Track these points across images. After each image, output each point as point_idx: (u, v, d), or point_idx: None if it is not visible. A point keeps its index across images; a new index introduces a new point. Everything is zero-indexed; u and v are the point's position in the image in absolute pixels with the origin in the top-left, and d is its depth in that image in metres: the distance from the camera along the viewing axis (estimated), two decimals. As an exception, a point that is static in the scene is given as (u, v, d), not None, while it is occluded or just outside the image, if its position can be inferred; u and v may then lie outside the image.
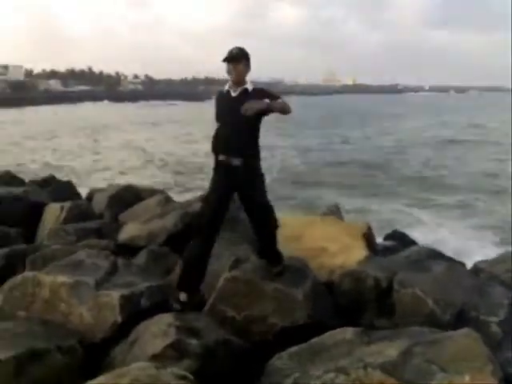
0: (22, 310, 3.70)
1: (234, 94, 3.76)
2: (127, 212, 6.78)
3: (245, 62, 3.76)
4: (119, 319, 3.49)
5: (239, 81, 3.77)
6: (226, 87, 3.83)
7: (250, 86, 3.77)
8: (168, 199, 6.91)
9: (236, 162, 3.67)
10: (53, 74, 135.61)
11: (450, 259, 5.28)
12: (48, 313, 3.65)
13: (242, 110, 3.54)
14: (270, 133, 27.03)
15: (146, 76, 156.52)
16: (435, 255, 4.99)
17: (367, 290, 3.80)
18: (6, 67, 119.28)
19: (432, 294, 3.46)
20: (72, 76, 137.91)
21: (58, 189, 8.14)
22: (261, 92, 3.77)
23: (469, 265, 5.21)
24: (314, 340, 2.99)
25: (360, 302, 3.85)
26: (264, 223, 3.84)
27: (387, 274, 3.80)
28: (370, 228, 5.33)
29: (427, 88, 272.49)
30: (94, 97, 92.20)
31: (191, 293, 3.79)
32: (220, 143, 3.76)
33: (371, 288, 3.79)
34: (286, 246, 4.27)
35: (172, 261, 5.07)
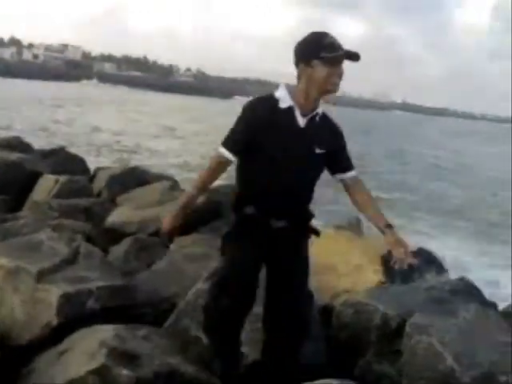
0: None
1: (301, 123, 2.25)
2: (126, 194, 6.15)
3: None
4: (55, 321, 2.81)
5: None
6: (286, 102, 2.25)
7: (321, 109, 2.32)
8: (174, 187, 6.24)
9: (280, 222, 2.37)
10: (109, 58, 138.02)
11: (480, 297, 4.42)
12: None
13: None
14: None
15: (198, 70, 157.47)
16: (463, 290, 4.15)
17: (372, 329, 2.99)
18: (65, 46, 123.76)
19: (453, 348, 2.63)
20: (126, 61, 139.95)
21: (64, 162, 7.57)
22: (331, 127, 2.40)
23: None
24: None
25: (361, 341, 3.04)
26: (290, 325, 2.41)
27: (400, 312, 2.98)
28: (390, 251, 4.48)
29: (478, 116, 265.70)
30: (146, 84, 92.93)
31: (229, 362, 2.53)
32: (263, 196, 2.32)
33: (377, 327, 2.97)
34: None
35: (158, 254, 4.39)
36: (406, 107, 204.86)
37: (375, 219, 2.38)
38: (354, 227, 5.43)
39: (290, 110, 2.24)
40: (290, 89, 2.28)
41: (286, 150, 2.24)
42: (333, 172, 2.44)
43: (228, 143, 2.32)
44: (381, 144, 33.81)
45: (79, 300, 2.90)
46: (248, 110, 2.28)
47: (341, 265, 4.09)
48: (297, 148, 2.25)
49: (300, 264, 2.47)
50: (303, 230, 2.47)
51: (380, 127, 57.26)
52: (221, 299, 2.30)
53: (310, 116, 2.26)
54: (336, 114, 2.62)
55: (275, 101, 2.25)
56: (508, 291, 7.31)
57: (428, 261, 7.99)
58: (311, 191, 2.44)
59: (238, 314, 2.35)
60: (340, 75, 2.23)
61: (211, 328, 2.44)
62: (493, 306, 4.41)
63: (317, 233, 2.51)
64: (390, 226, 2.32)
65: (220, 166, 2.37)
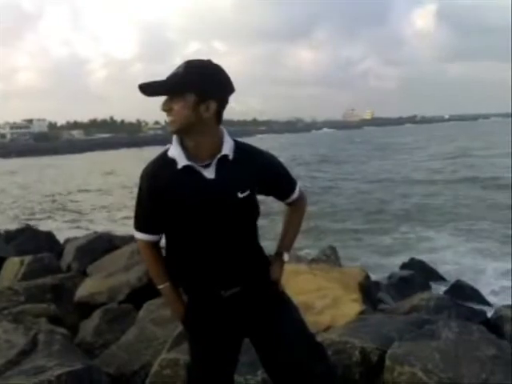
0: None
1: (207, 174, 1.91)
2: (95, 264, 5.94)
3: (195, 99, 1.84)
4: (12, 422, 2.58)
5: (188, 134, 1.90)
6: (182, 162, 1.90)
7: (228, 148, 1.94)
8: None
9: (232, 289, 2.01)
10: (75, 125, 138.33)
11: (468, 310, 4.29)
12: None
13: None
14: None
15: (166, 121, 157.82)
16: (447, 306, 4.02)
17: (353, 366, 2.81)
18: (30, 121, 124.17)
19: (437, 373, 2.47)
20: (94, 125, 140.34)
21: (30, 240, 7.36)
22: (253, 159, 2.00)
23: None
24: None
25: (346, 381, 2.86)
26: None
27: (379, 345, 2.81)
28: (367, 276, 4.34)
29: (447, 117, 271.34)
30: (115, 143, 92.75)
31: None
32: (196, 268, 1.99)
33: (358, 363, 2.80)
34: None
35: (130, 322, 4.19)
36: (376, 122, 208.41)
37: (280, 240, 2.22)
38: (331, 258, 5.30)
39: (188, 167, 1.90)
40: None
41: (201, 209, 1.91)
42: (278, 199, 2.18)
43: (139, 225, 2.02)
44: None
45: (37, 394, 2.68)
46: (145, 179, 1.96)
47: (318, 301, 3.92)
48: (214, 201, 1.91)
49: (286, 322, 2.05)
50: (264, 287, 2.08)
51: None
52: None
53: (215, 162, 1.90)
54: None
55: (171, 161, 1.92)
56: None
57: (422, 270, 7.91)
58: (252, 236, 2.06)
59: None
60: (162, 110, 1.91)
61: None
62: (481, 314, 4.29)
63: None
64: (280, 255, 2.17)
65: (150, 249, 2.06)
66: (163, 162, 1.94)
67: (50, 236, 7.94)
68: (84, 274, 5.81)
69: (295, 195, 2.16)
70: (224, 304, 1.99)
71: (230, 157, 1.92)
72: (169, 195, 1.91)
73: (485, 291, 7.21)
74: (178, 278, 2.05)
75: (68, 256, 6.43)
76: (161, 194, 1.92)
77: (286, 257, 2.18)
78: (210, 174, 1.90)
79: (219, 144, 1.92)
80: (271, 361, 2.04)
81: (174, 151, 1.92)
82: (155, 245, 2.06)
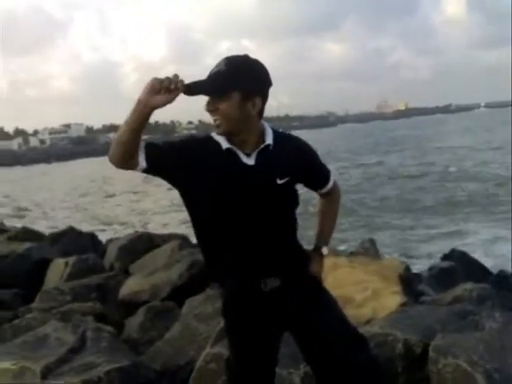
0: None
1: (247, 161, 1.90)
2: (137, 262, 6.08)
3: (241, 97, 1.82)
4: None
5: (237, 133, 1.88)
6: (225, 145, 1.89)
7: (269, 138, 1.93)
8: (182, 245, 6.14)
9: (272, 282, 1.97)
10: (112, 128, 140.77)
11: (511, 298, 4.21)
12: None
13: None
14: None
15: (200, 121, 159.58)
16: (491, 296, 3.94)
17: (396, 359, 2.80)
18: (67, 125, 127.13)
19: (482, 365, 2.44)
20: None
21: (73, 241, 7.54)
22: (292, 149, 2.01)
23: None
24: None
25: (388, 374, 2.85)
26: None
27: (422, 336, 2.79)
28: (407, 267, 4.31)
29: (483, 105, 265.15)
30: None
31: None
32: (233, 260, 1.96)
33: (401, 356, 2.78)
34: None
35: (173, 318, 4.28)
36: (409, 113, 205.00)
37: (317, 234, 2.21)
38: (369, 250, 5.28)
39: (230, 151, 1.88)
40: None
41: (240, 194, 1.88)
42: (311, 189, 2.17)
43: (148, 145, 1.82)
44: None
45: (88, 389, 2.78)
46: (188, 140, 1.95)
47: (358, 294, 3.92)
48: (253, 187, 1.88)
49: (327, 315, 2.03)
50: (304, 280, 2.05)
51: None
52: None
53: (257, 151, 1.90)
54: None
55: (215, 142, 1.90)
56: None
57: (463, 261, 7.78)
58: (291, 226, 2.04)
59: None
60: (207, 111, 1.87)
61: None
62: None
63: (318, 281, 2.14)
64: (318, 249, 2.16)
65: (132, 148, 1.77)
66: (207, 140, 1.92)
67: (92, 237, 8.12)
68: (126, 273, 5.95)
69: (330, 185, 2.15)
70: (264, 298, 1.96)
71: (271, 146, 1.92)
72: (202, 170, 1.85)
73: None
74: (215, 270, 2.01)
75: (110, 256, 6.58)
76: (189, 161, 1.85)
77: (325, 250, 2.16)
78: (250, 161, 1.89)
79: (261, 136, 1.92)
80: (313, 354, 2.03)
81: (219, 137, 1.90)
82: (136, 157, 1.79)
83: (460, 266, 7.38)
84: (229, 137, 1.89)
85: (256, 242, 1.92)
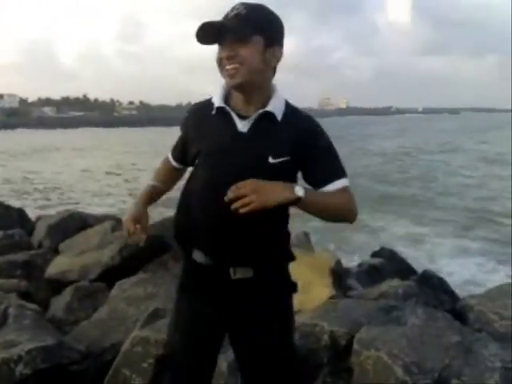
0: None
1: (240, 126, 1.67)
2: (67, 241, 5.90)
3: (263, 43, 1.62)
4: (-19, 395, 2.58)
5: (251, 88, 1.66)
6: (219, 102, 1.71)
7: (274, 105, 1.69)
8: (116, 227, 6.01)
9: (244, 272, 1.72)
10: (47, 102, 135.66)
11: (435, 298, 4.42)
12: None
13: (229, 193, 1.50)
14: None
15: (141, 102, 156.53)
16: (415, 293, 4.11)
17: (322, 350, 2.88)
18: (0, 96, 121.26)
19: (402, 358, 2.55)
20: (66, 103, 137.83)
21: (0, 216, 7.22)
22: (300, 126, 1.70)
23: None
24: None
25: (313, 365, 2.92)
26: None
27: (348, 329, 2.88)
28: (338, 261, 4.43)
29: (420, 110, 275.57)
30: (88, 122, 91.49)
31: None
32: (200, 228, 1.73)
33: (327, 347, 2.87)
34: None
35: (102, 300, 4.20)
36: (350, 111, 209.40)
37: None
38: (303, 243, 5.37)
39: (223, 111, 1.69)
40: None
41: (221, 160, 1.67)
42: (310, 185, 1.70)
43: (172, 148, 1.98)
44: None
45: (7, 367, 2.69)
46: (187, 113, 1.85)
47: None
48: (238, 161, 1.64)
49: (274, 345, 1.79)
50: (275, 281, 1.80)
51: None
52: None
53: (254, 117, 1.65)
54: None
55: (211, 103, 1.73)
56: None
57: (392, 259, 8.06)
58: (277, 216, 1.71)
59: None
60: (225, 57, 1.63)
61: None
62: (447, 302, 4.41)
63: (294, 287, 1.89)
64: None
65: (165, 166, 2.01)
66: (206, 102, 1.77)
67: (21, 212, 7.81)
68: (56, 252, 5.77)
69: (337, 185, 1.67)
70: (228, 286, 1.73)
71: (278, 116, 1.67)
72: (195, 136, 1.77)
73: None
74: (185, 241, 1.80)
75: (39, 233, 6.36)
76: (189, 131, 1.81)
77: (298, 190, 1.57)
78: (243, 126, 1.66)
79: (267, 99, 1.69)
80: (242, 368, 1.88)
81: (216, 97, 1.73)
82: (171, 169, 2.00)
83: (388, 264, 7.67)
84: (238, 91, 1.67)
85: (231, 224, 1.64)
